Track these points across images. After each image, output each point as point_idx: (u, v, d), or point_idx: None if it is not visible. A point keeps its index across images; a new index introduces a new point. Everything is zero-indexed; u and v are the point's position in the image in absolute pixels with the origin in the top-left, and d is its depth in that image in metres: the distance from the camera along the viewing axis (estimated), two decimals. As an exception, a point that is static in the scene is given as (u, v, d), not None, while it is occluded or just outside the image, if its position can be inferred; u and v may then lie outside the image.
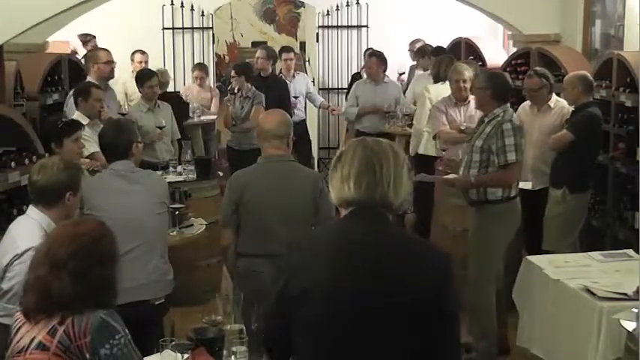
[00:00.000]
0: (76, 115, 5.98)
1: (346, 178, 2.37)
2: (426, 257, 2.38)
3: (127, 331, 2.70)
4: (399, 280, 2.30)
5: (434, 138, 6.87)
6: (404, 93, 8.81)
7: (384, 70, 8.46)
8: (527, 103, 6.44)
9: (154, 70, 7.88)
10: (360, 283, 2.30)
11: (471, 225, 5.41)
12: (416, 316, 2.29)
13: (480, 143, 5.20)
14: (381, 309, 2.29)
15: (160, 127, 7.03)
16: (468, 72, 6.65)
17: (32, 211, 3.66)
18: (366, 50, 9.85)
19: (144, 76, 7.33)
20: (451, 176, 5.62)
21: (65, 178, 3.65)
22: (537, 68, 6.44)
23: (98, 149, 5.40)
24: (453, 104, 6.75)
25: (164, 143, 7.13)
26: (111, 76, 7.27)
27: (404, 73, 9.82)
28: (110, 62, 7.12)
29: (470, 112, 6.71)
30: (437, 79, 7.43)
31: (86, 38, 8.59)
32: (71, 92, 6.71)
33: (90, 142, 5.65)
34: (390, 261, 2.33)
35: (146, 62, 9.25)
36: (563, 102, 6.17)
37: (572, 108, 6.01)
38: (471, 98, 6.67)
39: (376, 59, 8.39)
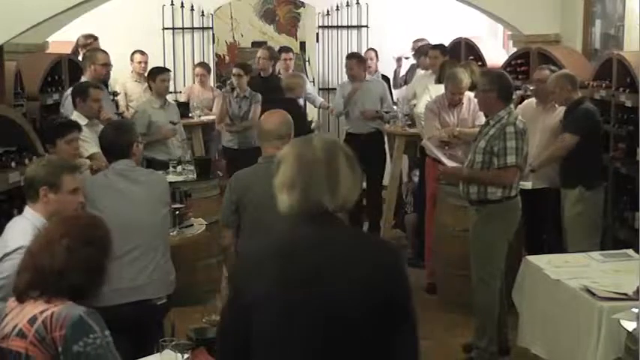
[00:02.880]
0: (75, 116, 5.96)
1: (280, 188, 2.43)
2: (376, 257, 2.36)
3: (106, 333, 2.68)
4: (348, 282, 2.29)
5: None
6: (402, 85, 8.84)
7: (365, 70, 8.49)
8: (533, 100, 6.45)
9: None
10: (308, 287, 2.28)
11: (470, 224, 5.41)
12: (369, 318, 2.27)
13: (482, 144, 5.20)
14: (330, 313, 2.27)
15: (174, 123, 7.10)
16: (465, 80, 6.59)
17: (27, 211, 3.68)
18: (367, 50, 9.85)
19: (156, 70, 7.52)
20: (450, 163, 5.67)
21: (41, 172, 3.65)
22: (547, 65, 6.51)
23: (97, 150, 5.42)
24: (445, 106, 6.73)
25: (176, 139, 7.22)
26: (106, 78, 7.31)
27: (408, 57, 9.78)
28: (107, 65, 7.14)
29: (462, 114, 6.70)
30: (440, 81, 7.40)
31: (87, 40, 8.59)
32: (67, 92, 6.71)
33: (89, 143, 5.65)
34: (336, 264, 2.31)
35: (146, 62, 9.27)
36: None
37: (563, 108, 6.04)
38: (464, 100, 6.66)
39: (356, 61, 8.41)
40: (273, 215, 4.11)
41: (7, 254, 3.45)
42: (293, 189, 2.39)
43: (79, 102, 6.08)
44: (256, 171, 4.33)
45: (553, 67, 6.39)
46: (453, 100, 6.67)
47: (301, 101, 8.63)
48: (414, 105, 7.99)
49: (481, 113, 5.87)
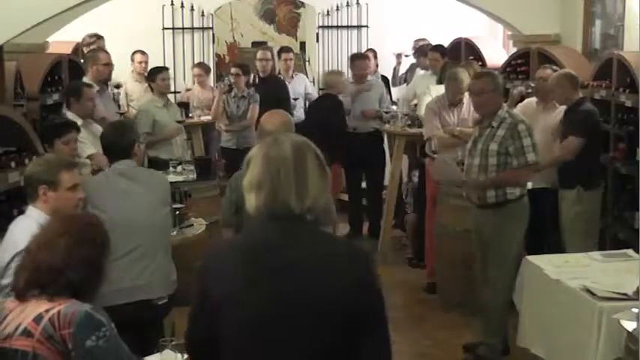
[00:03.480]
0: (69, 116, 5.93)
1: (249, 189, 2.39)
2: (344, 257, 2.35)
3: (112, 325, 2.74)
4: (315, 281, 2.28)
5: (427, 140, 6.86)
6: (401, 84, 8.84)
7: (366, 69, 8.52)
8: (533, 99, 6.45)
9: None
10: (276, 287, 2.27)
11: (487, 226, 5.34)
12: (338, 317, 2.26)
13: (495, 147, 5.20)
14: (297, 311, 2.26)
15: (180, 122, 7.14)
16: (466, 80, 6.57)
17: (31, 210, 3.69)
18: (365, 51, 9.86)
19: (156, 70, 7.58)
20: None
21: (39, 170, 3.68)
22: (549, 65, 6.56)
23: (95, 150, 5.42)
24: (446, 106, 6.73)
25: (179, 138, 7.26)
26: (108, 78, 7.32)
27: (408, 55, 9.78)
28: (109, 64, 7.15)
29: (462, 114, 6.70)
30: (441, 82, 7.40)
31: (91, 39, 8.60)
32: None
33: (86, 144, 5.64)
34: (305, 263, 2.29)
35: (146, 62, 9.28)
36: None
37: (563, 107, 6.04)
38: (465, 100, 6.66)
39: (360, 61, 8.41)
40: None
41: (17, 254, 3.44)
42: (261, 189, 2.36)
43: (73, 102, 6.06)
44: (256, 171, 4.33)
45: (555, 67, 6.41)
46: (454, 101, 6.68)
47: (341, 97, 8.68)
48: (415, 105, 8.00)
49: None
